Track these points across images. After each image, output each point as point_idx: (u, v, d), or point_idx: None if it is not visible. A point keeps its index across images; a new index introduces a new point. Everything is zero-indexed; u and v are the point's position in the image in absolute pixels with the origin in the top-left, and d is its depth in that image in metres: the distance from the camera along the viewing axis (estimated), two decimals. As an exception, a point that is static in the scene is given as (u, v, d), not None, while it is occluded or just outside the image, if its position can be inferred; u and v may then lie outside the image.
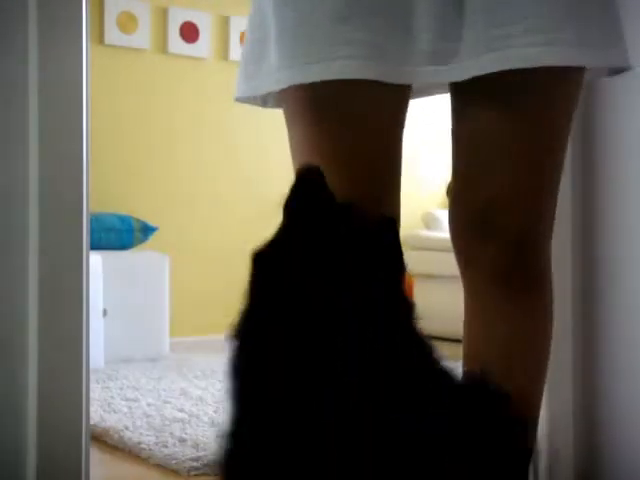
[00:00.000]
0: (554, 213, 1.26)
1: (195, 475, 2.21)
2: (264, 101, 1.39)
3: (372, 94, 1.19)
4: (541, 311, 1.30)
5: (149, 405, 3.04)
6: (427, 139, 5.73)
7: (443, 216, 5.54)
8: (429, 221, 5.56)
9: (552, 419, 1.69)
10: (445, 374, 0.99)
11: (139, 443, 2.46)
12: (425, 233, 5.38)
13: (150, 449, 2.41)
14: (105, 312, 3.94)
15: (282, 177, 5.55)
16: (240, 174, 4.97)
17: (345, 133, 1.20)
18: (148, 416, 2.84)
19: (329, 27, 1.16)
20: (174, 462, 2.28)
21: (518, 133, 1.20)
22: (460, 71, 1.16)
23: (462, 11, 1.15)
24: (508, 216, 1.22)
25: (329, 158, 1.19)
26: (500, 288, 1.26)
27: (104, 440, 2.56)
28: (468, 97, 1.23)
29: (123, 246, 4.30)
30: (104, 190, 4.33)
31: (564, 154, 1.25)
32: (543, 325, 1.30)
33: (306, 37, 1.17)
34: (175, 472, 2.24)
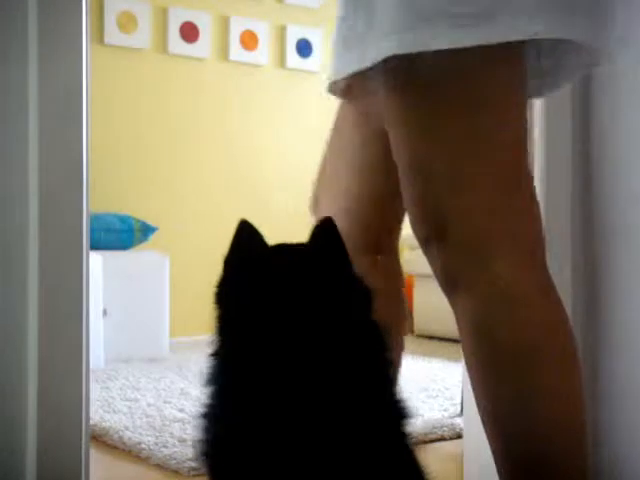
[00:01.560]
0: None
1: (195, 475, 2.20)
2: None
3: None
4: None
5: (149, 405, 3.04)
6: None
7: (443, 216, 5.53)
8: (429, 221, 5.56)
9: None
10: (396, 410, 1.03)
11: (139, 443, 2.46)
12: (425, 233, 5.37)
13: (150, 449, 2.40)
14: (105, 312, 3.94)
15: (281, 177, 5.55)
16: (239, 174, 4.98)
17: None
18: (148, 416, 2.84)
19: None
20: (174, 462, 2.28)
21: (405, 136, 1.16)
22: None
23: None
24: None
25: None
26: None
27: (104, 440, 2.56)
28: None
29: (123, 246, 4.30)
30: (104, 190, 4.33)
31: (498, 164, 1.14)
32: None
33: None
34: (175, 472, 2.24)
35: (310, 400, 0.97)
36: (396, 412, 1.03)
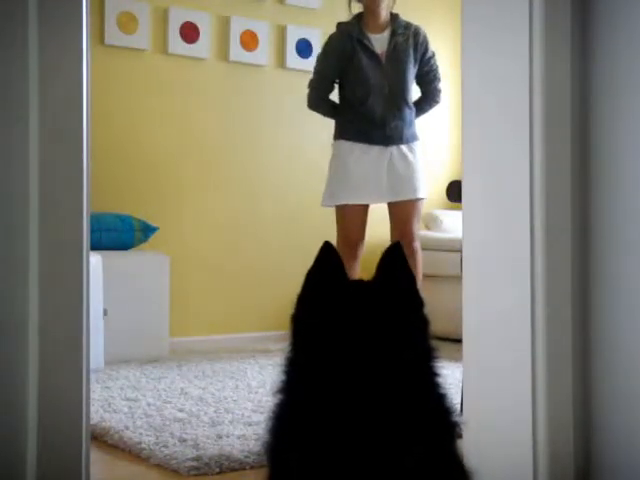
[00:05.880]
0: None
1: (195, 475, 2.21)
2: None
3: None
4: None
5: (149, 405, 3.04)
6: (426, 140, 5.73)
7: (443, 216, 5.53)
8: (429, 221, 5.57)
9: (552, 419, 1.69)
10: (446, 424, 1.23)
11: (139, 443, 2.46)
12: (425, 233, 5.38)
13: (150, 449, 2.41)
14: (105, 312, 3.94)
15: (280, 178, 5.58)
16: (240, 174, 4.98)
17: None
18: (148, 416, 2.84)
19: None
20: (174, 462, 2.28)
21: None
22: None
23: None
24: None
25: None
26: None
27: (104, 440, 2.56)
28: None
29: (123, 246, 4.30)
30: (104, 190, 4.33)
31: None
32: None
33: None
34: (175, 472, 2.24)
35: (378, 406, 1.14)
36: (445, 412, 1.23)
